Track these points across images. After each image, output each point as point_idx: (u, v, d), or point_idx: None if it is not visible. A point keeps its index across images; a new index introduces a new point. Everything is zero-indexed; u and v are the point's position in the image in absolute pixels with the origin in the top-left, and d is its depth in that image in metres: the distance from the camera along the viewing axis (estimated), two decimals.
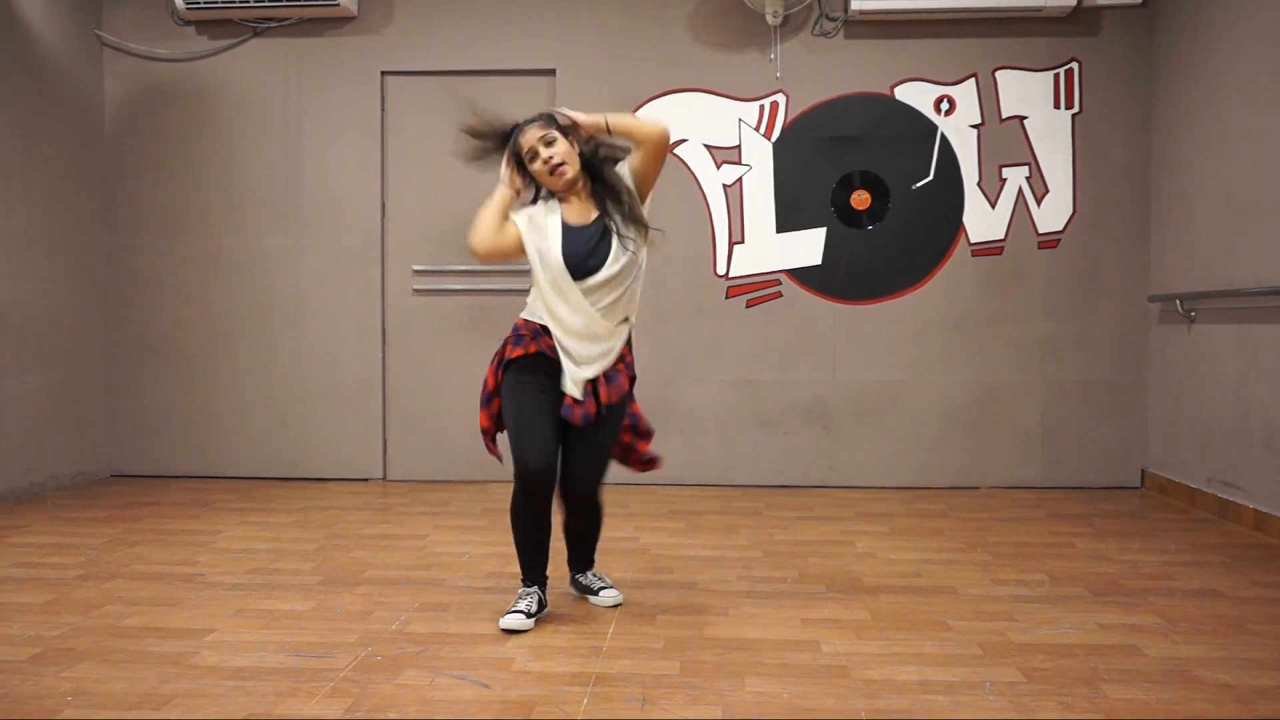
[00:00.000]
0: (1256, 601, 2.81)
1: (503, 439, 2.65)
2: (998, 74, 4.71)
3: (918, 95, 4.72)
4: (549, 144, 2.57)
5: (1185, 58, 4.35)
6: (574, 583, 2.87)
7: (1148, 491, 4.61)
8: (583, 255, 2.56)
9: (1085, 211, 4.70)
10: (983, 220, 4.72)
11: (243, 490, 4.63)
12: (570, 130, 2.61)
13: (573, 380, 2.56)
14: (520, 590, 2.65)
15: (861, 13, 4.57)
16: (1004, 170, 4.71)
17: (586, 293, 2.56)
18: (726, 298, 4.77)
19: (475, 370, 4.88)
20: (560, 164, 2.56)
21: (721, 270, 4.78)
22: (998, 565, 3.23)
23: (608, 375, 2.60)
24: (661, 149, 2.59)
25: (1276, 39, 3.67)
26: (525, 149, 2.59)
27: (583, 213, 2.63)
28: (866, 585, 3.00)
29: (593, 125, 2.56)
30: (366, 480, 4.92)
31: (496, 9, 4.83)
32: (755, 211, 4.77)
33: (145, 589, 2.94)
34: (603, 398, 2.58)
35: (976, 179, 4.72)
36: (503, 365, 2.63)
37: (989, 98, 4.71)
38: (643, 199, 2.64)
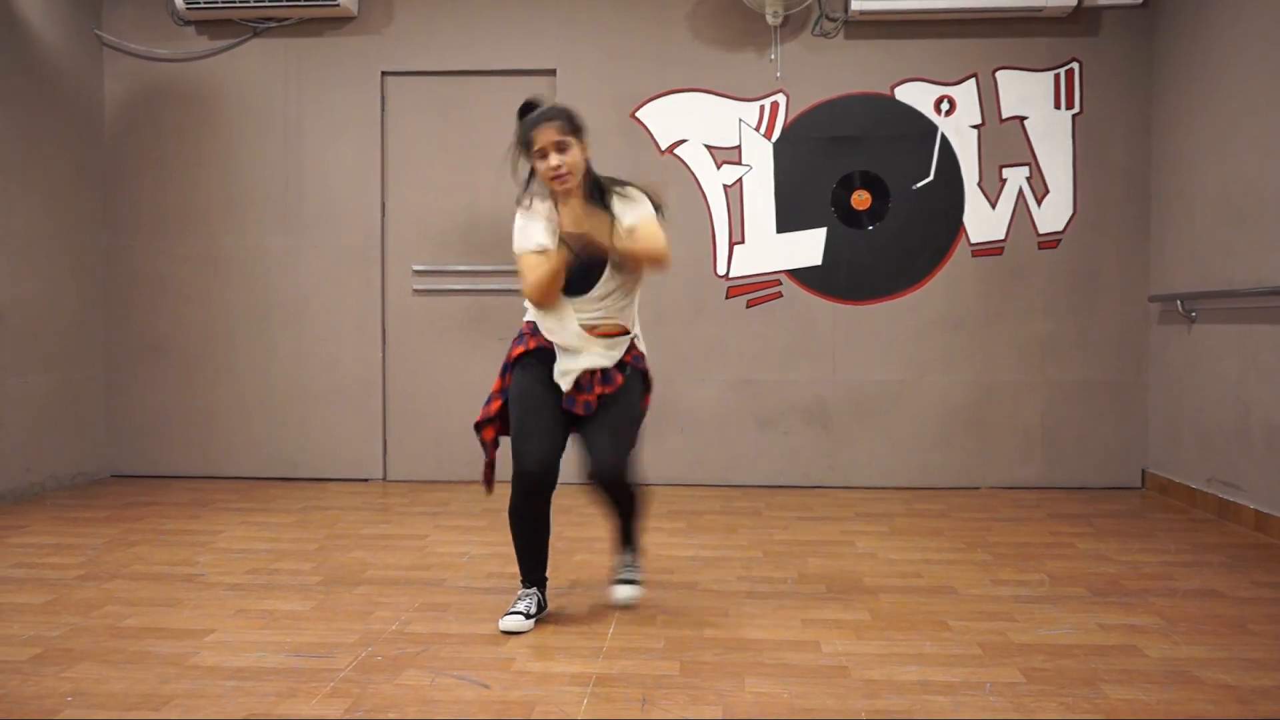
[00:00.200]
0: (1257, 602, 2.81)
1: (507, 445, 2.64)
2: (998, 74, 4.70)
3: (918, 95, 4.72)
4: (562, 150, 2.52)
5: (1185, 58, 4.35)
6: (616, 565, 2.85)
7: (1148, 492, 4.61)
8: (576, 270, 2.52)
9: (1085, 212, 4.69)
10: (983, 220, 4.72)
11: (243, 490, 4.63)
12: (582, 133, 2.57)
13: (562, 372, 2.54)
14: (520, 591, 2.65)
15: (862, 13, 4.56)
16: (1004, 170, 4.71)
17: (577, 308, 2.55)
18: (727, 298, 4.77)
19: (475, 370, 4.88)
20: (567, 173, 2.53)
21: (722, 270, 4.77)
22: (998, 565, 3.23)
23: (605, 372, 2.57)
24: (652, 269, 2.58)
25: (1276, 39, 3.66)
26: (536, 145, 2.54)
27: (578, 222, 2.59)
28: (866, 585, 2.99)
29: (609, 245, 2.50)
30: (366, 480, 4.92)
31: (496, 9, 4.83)
32: (755, 212, 4.77)
33: (145, 589, 2.94)
34: (601, 389, 2.55)
35: (977, 179, 4.72)
36: (509, 368, 2.62)
37: (989, 98, 4.71)
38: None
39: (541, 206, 2.63)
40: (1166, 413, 4.51)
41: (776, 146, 4.76)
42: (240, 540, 3.60)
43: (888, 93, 4.73)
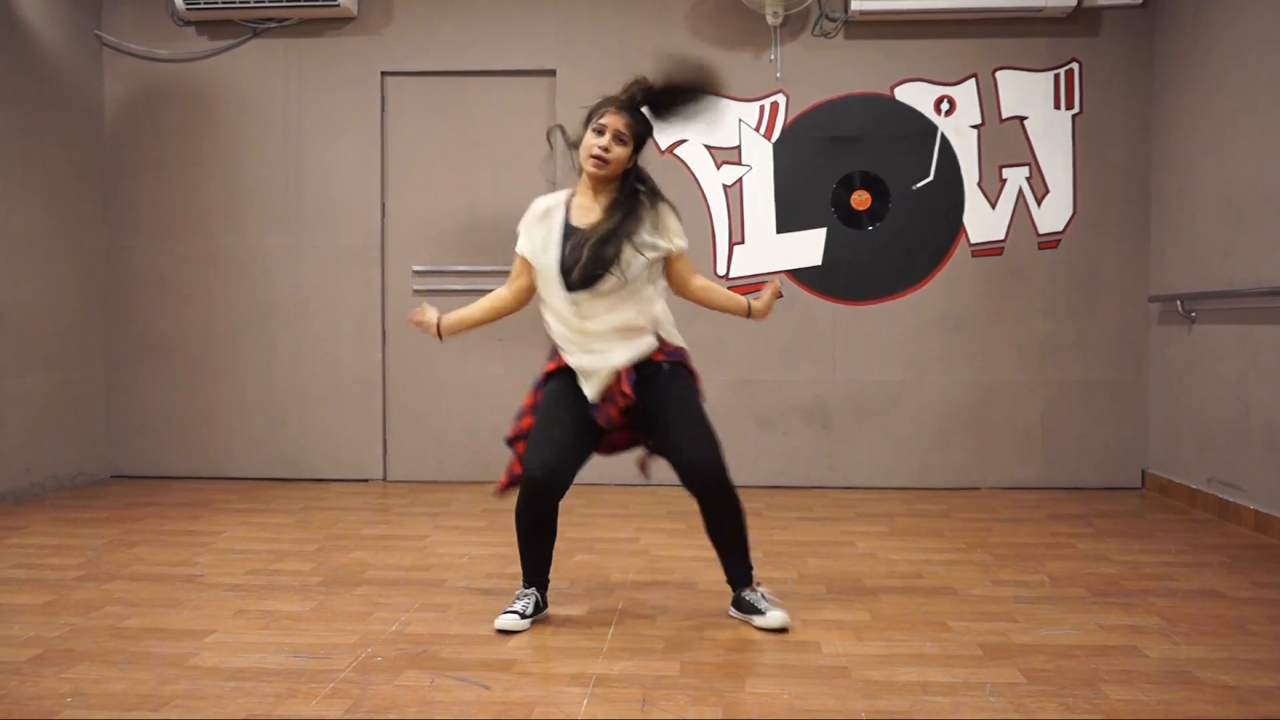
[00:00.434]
0: (1257, 602, 2.81)
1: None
2: (998, 74, 4.70)
3: (918, 95, 4.72)
4: (620, 141, 2.51)
5: (1185, 58, 4.35)
6: (736, 602, 2.61)
7: (1148, 492, 4.61)
8: (570, 265, 2.50)
9: (1085, 212, 4.69)
10: (983, 221, 4.72)
11: (243, 491, 4.63)
12: (643, 145, 2.56)
13: (585, 377, 2.52)
14: (518, 591, 2.65)
15: (861, 13, 4.56)
16: (1004, 170, 4.71)
17: (577, 306, 2.51)
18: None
19: (475, 370, 4.89)
20: (607, 160, 2.51)
21: (722, 270, 4.77)
22: (998, 566, 3.23)
23: (624, 381, 2.51)
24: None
25: (1276, 39, 3.66)
26: (600, 119, 2.52)
27: (593, 214, 2.57)
28: (867, 586, 2.99)
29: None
30: (367, 481, 4.92)
31: (496, 9, 4.83)
32: (755, 212, 4.77)
33: (145, 590, 2.94)
34: (627, 399, 2.50)
35: (977, 179, 4.71)
36: (539, 384, 2.62)
37: (989, 98, 4.71)
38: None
39: (543, 205, 2.61)
40: (1167, 413, 4.51)
41: (776, 147, 4.76)
42: (240, 541, 3.60)
43: (888, 93, 4.73)
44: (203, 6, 4.73)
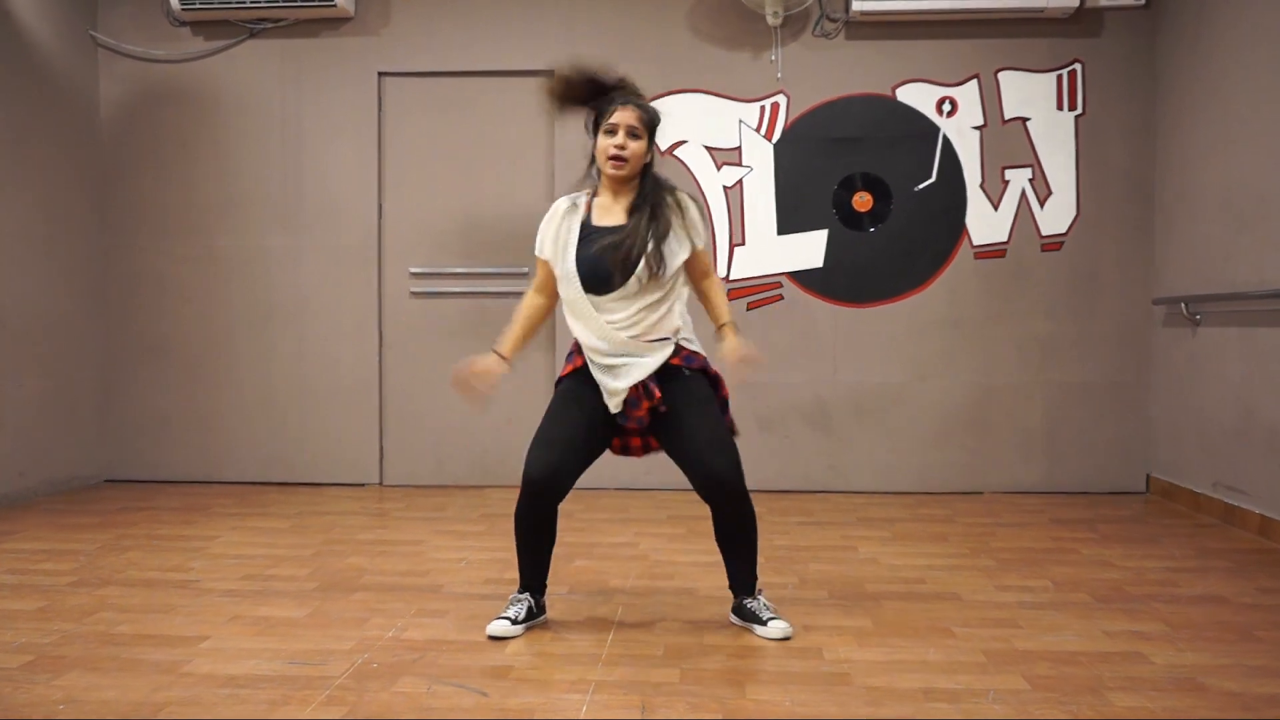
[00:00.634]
0: (1262, 608, 2.80)
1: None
2: (1000, 75, 4.70)
3: (919, 96, 4.72)
4: (633, 136, 2.51)
5: (1188, 59, 4.34)
6: (737, 610, 2.61)
7: (1152, 496, 4.60)
8: (598, 269, 2.49)
9: (1088, 213, 4.69)
10: (985, 222, 4.72)
11: (238, 495, 4.62)
12: (655, 134, 2.57)
13: (609, 393, 2.49)
14: (512, 595, 2.64)
15: (863, 13, 4.56)
16: (1006, 172, 4.71)
17: (599, 309, 2.50)
18: (727, 300, 4.75)
19: None
20: (625, 159, 2.51)
21: (722, 272, 4.77)
22: (1002, 571, 3.22)
23: (647, 386, 2.49)
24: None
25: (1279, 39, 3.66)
26: (609, 119, 2.52)
27: (614, 214, 2.56)
28: (869, 591, 2.98)
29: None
30: (363, 485, 4.91)
31: (494, 10, 4.83)
32: (756, 213, 4.77)
33: (138, 595, 2.93)
34: (654, 399, 2.47)
35: (979, 181, 4.71)
36: (557, 384, 2.61)
37: (991, 99, 4.70)
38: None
39: (564, 205, 2.60)
40: (1170, 416, 4.50)
41: (777, 148, 4.75)
42: (235, 546, 3.59)
43: (889, 94, 4.73)
44: (198, 7, 4.73)
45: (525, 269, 4.85)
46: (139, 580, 3.11)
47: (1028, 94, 4.69)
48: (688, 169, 4.76)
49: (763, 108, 4.76)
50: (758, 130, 4.76)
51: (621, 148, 2.50)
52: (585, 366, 2.55)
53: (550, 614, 2.70)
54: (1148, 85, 4.66)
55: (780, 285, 4.77)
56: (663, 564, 3.33)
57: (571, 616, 2.72)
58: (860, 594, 2.96)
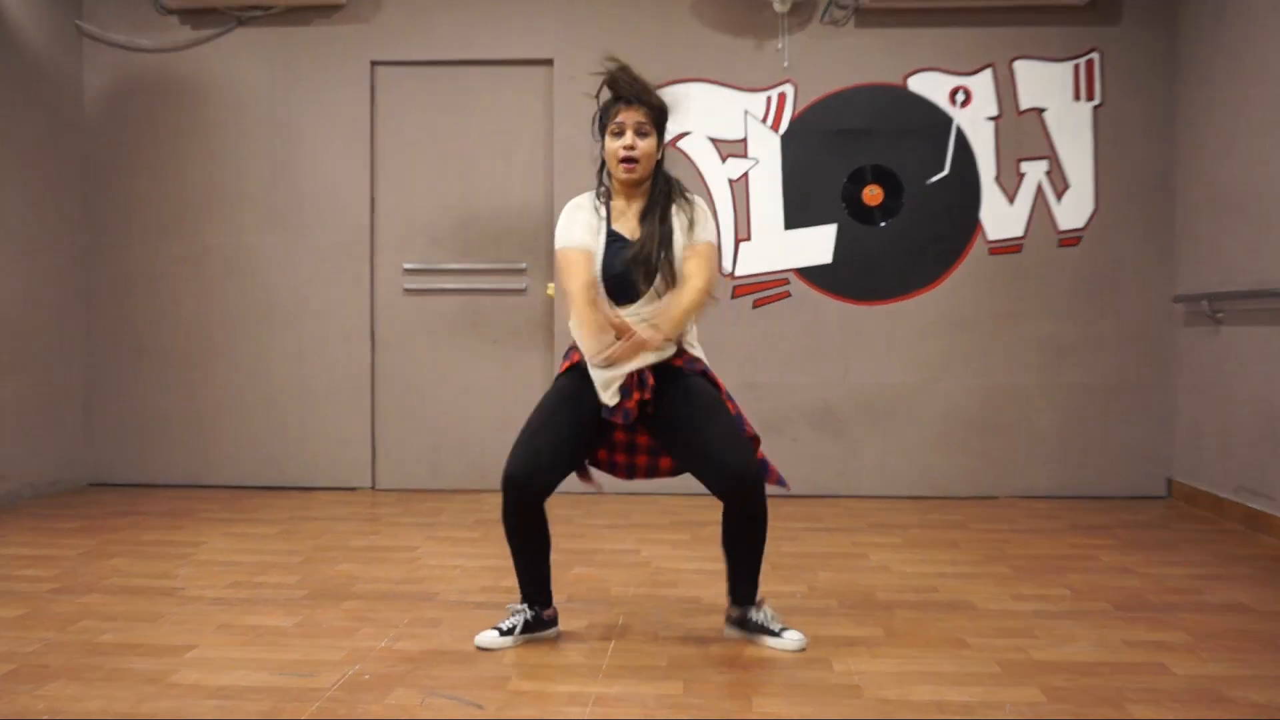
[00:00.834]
0: None
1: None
2: (1015, 64, 4.69)
3: (932, 86, 4.71)
4: (642, 135, 2.50)
5: (1210, 46, 4.33)
6: (740, 621, 2.58)
7: (1173, 501, 4.59)
8: (624, 282, 2.48)
9: (1107, 208, 4.68)
10: (1000, 217, 4.71)
11: (226, 499, 4.62)
12: (665, 130, 2.55)
13: (603, 384, 2.47)
14: (510, 606, 2.63)
15: (873, 0, 4.56)
16: (1022, 165, 4.70)
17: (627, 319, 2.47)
18: (732, 297, 4.76)
19: (469, 373, 4.87)
20: (637, 159, 2.49)
21: (727, 269, 4.76)
22: (1017, 579, 3.22)
23: (640, 376, 2.48)
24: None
25: None
26: (615, 119, 2.50)
27: (630, 219, 2.54)
28: (880, 600, 2.98)
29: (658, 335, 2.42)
30: (355, 489, 4.91)
31: None
32: (762, 207, 4.76)
33: (123, 603, 2.93)
34: (644, 392, 2.46)
35: (994, 174, 4.71)
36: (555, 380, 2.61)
37: (1006, 89, 4.70)
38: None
39: (588, 202, 2.58)
40: (1192, 418, 4.49)
41: (784, 139, 4.75)
42: (223, 552, 3.59)
43: (900, 83, 4.72)
44: None
45: (523, 265, 4.85)
46: (124, 587, 3.11)
47: (1044, 84, 4.68)
48: (691, 161, 4.75)
49: (769, 98, 4.76)
50: (764, 121, 4.76)
51: (631, 148, 2.49)
52: (581, 362, 2.54)
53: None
54: (1168, 74, 4.65)
55: (787, 282, 4.77)
56: (666, 571, 3.33)
57: (571, 626, 2.71)
58: (871, 603, 2.95)
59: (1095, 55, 4.68)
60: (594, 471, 2.67)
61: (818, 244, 4.76)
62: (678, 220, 2.54)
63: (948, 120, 4.71)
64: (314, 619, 2.78)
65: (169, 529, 3.98)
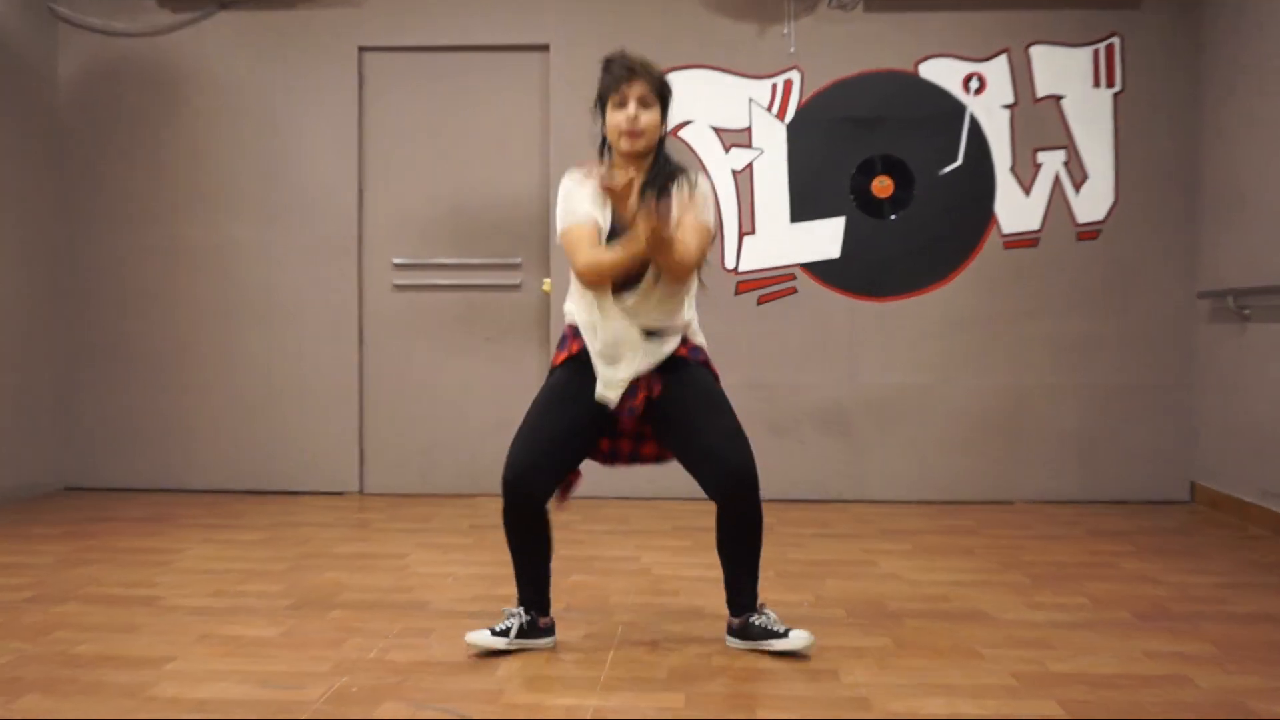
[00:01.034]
0: None
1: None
2: (1032, 49, 4.69)
3: (944, 73, 4.71)
4: (645, 106, 2.50)
5: (1235, 29, 4.33)
6: (742, 630, 2.58)
7: (1197, 506, 4.59)
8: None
9: (1128, 200, 4.68)
10: (1016, 209, 4.71)
11: (207, 505, 4.62)
12: (668, 106, 2.55)
13: (605, 383, 2.49)
14: (506, 610, 2.63)
15: None
16: (1039, 154, 4.70)
17: (625, 308, 2.49)
18: (736, 294, 4.76)
19: (461, 373, 4.87)
20: (640, 132, 2.49)
21: (730, 264, 4.76)
22: (1033, 587, 3.22)
23: (648, 378, 2.50)
24: (671, 269, 2.46)
25: None
26: (617, 93, 2.50)
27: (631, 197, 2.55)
28: (890, 609, 2.98)
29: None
30: (342, 494, 4.91)
31: None
32: (767, 200, 4.76)
33: (99, 613, 2.93)
34: (651, 390, 2.48)
35: (1009, 164, 4.70)
36: (550, 374, 2.61)
37: (1022, 75, 4.70)
38: None
39: (586, 181, 2.56)
40: (1217, 419, 4.50)
41: (790, 128, 4.75)
42: (204, 559, 3.59)
43: (911, 70, 4.72)
44: None
45: (518, 259, 4.85)
46: (100, 596, 3.11)
47: (1062, 70, 4.68)
48: (693, 152, 4.75)
49: (774, 85, 4.76)
50: (769, 110, 4.76)
51: (635, 120, 2.49)
52: (580, 354, 2.54)
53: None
54: (1192, 59, 4.65)
55: (793, 278, 4.77)
56: (666, 579, 3.33)
57: (568, 636, 2.71)
58: (880, 612, 2.95)
59: (1115, 40, 4.68)
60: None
61: (825, 238, 4.76)
62: (678, 198, 2.54)
63: (961, 108, 4.71)
64: (299, 629, 2.78)
65: (148, 535, 3.98)
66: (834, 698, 2.28)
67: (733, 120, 4.77)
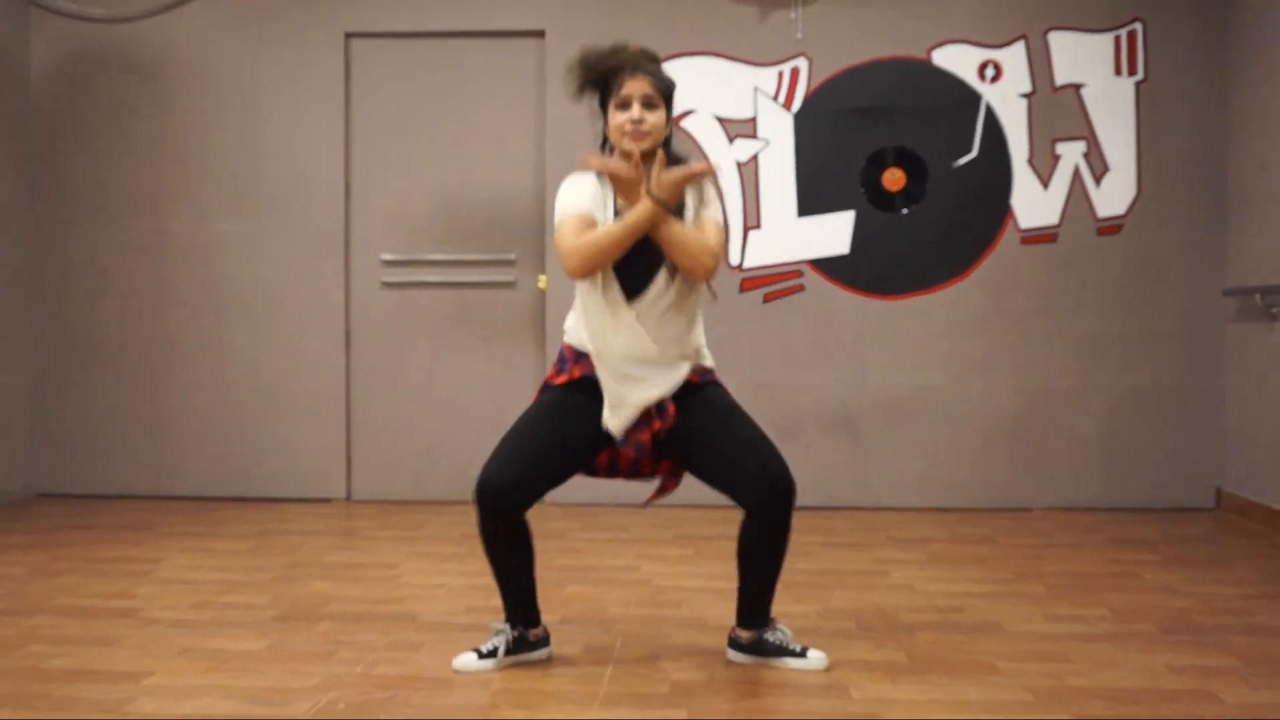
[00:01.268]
0: None
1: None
2: (1050, 35, 4.70)
3: (959, 60, 4.72)
4: (650, 106, 2.49)
5: (1265, 15, 4.33)
6: (754, 645, 2.59)
7: (1223, 513, 4.60)
8: (636, 264, 2.46)
9: (1151, 193, 4.68)
10: (1034, 203, 4.71)
11: (188, 512, 4.62)
12: (671, 103, 2.54)
13: (613, 406, 2.47)
14: (493, 625, 2.63)
15: None
16: (1058, 146, 4.70)
17: (632, 312, 2.48)
18: (740, 291, 4.77)
19: (453, 374, 4.88)
20: (645, 133, 2.48)
21: (735, 260, 4.77)
22: (1051, 599, 3.22)
23: (660, 406, 2.49)
24: (691, 268, 2.45)
25: None
26: (620, 92, 2.50)
27: (635, 200, 2.51)
28: (901, 622, 2.98)
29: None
30: (329, 501, 4.92)
31: None
32: (773, 193, 4.77)
33: (74, 626, 2.93)
34: (664, 421, 2.47)
35: (1026, 156, 4.71)
36: (540, 391, 2.60)
37: (1040, 63, 4.70)
38: None
39: (590, 178, 2.55)
40: (1244, 422, 4.50)
41: (797, 118, 4.75)
42: (184, 569, 3.59)
43: (924, 57, 4.73)
44: None
45: (512, 255, 4.85)
46: (75, 608, 3.11)
47: (1082, 57, 4.69)
48: (696, 142, 4.76)
49: (781, 73, 4.76)
50: (775, 99, 4.76)
51: (639, 121, 2.48)
52: (584, 379, 2.53)
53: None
54: (1219, 46, 4.65)
55: (800, 275, 4.77)
56: (668, 590, 3.33)
57: (564, 649, 2.71)
58: (892, 624, 2.95)
59: (1138, 25, 4.68)
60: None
61: (834, 233, 4.76)
62: (689, 198, 2.54)
63: (976, 97, 4.71)
64: (284, 642, 2.78)
65: (125, 544, 3.98)
66: (844, 714, 2.28)
67: (737, 110, 4.77)
